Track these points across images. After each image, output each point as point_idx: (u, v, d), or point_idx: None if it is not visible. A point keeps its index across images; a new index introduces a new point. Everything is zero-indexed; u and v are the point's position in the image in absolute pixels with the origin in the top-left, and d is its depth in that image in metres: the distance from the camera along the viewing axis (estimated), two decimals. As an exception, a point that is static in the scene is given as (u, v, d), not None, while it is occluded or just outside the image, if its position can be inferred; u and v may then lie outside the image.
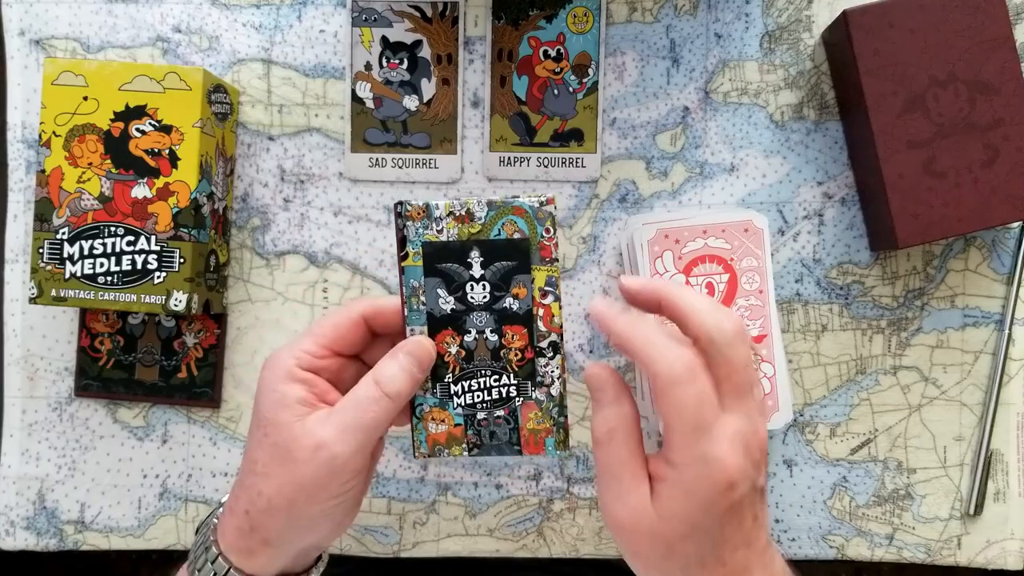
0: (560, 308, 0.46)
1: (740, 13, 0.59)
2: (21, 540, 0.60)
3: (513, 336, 0.46)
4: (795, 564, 0.63)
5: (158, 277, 0.54)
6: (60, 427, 0.60)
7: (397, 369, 0.45)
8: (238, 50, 0.60)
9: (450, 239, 0.45)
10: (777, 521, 0.59)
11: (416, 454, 0.48)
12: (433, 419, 0.47)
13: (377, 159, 0.60)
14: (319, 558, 0.50)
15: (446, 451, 0.48)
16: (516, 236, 0.45)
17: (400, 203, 0.45)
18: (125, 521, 0.60)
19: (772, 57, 0.59)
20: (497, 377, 0.46)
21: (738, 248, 0.56)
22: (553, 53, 0.59)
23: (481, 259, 0.45)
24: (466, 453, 0.48)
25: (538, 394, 0.46)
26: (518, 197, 0.45)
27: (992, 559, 0.59)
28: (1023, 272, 0.59)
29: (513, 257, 0.45)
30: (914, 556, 0.59)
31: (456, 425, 0.47)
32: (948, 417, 0.59)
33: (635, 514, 0.42)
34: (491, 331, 0.46)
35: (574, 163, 0.59)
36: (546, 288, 0.45)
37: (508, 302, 0.45)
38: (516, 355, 0.46)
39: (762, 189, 0.59)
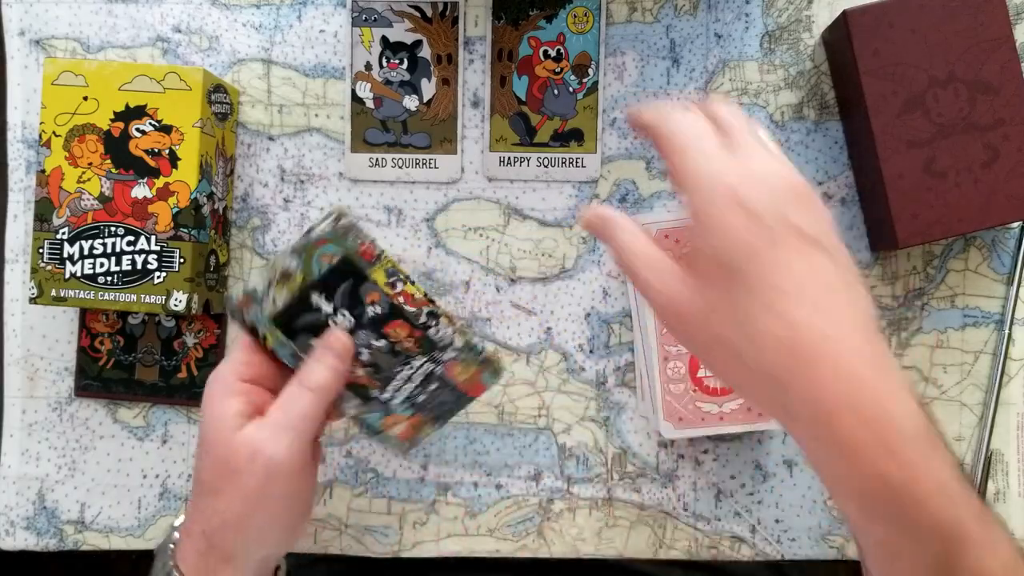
0: (414, 284, 0.47)
1: (740, 13, 0.59)
2: (21, 540, 0.60)
3: (396, 331, 0.48)
4: (795, 564, 0.63)
5: (158, 277, 0.54)
6: (60, 427, 0.60)
7: (316, 364, 0.47)
8: (238, 50, 0.60)
9: (288, 302, 0.46)
10: (777, 521, 0.59)
11: (404, 457, 0.52)
12: (390, 425, 0.50)
13: (377, 159, 0.60)
14: (277, 568, 0.51)
15: (421, 438, 0.51)
16: (335, 261, 0.46)
17: (226, 305, 0.47)
18: (125, 521, 0.60)
19: (772, 57, 0.59)
20: (409, 365, 0.49)
21: (738, 248, 0.56)
22: (553, 53, 0.59)
23: (324, 295, 0.47)
24: (437, 427, 0.51)
25: (449, 353, 0.49)
26: (312, 229, 0.46)
27: (992, 559, 0.59)
28: (1023, 272, 0.59)
29: (346, 277, 0.47)
30: (914, 556, 0.59)
31: (411, 416, 0.50)
32: (948, 417, 0.59)
33: (672, 288, 0.40)
34: (375, 339, 0.48)
35: (574, 163, 0.59)
36: (390, 280, 0.47)
37: (370, 310, 0.47)
38: (410, 341, 0.48)
39: (762, 189, 0.59)
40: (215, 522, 0.45)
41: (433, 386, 0.50)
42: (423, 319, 0.48)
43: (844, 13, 0.53)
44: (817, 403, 0.36)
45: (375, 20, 0.59)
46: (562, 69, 0.59)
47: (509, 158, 0.59)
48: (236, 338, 0.49)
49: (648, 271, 0.41)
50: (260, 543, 0.46)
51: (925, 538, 0.36)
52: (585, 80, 0.59)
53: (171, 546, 0.47)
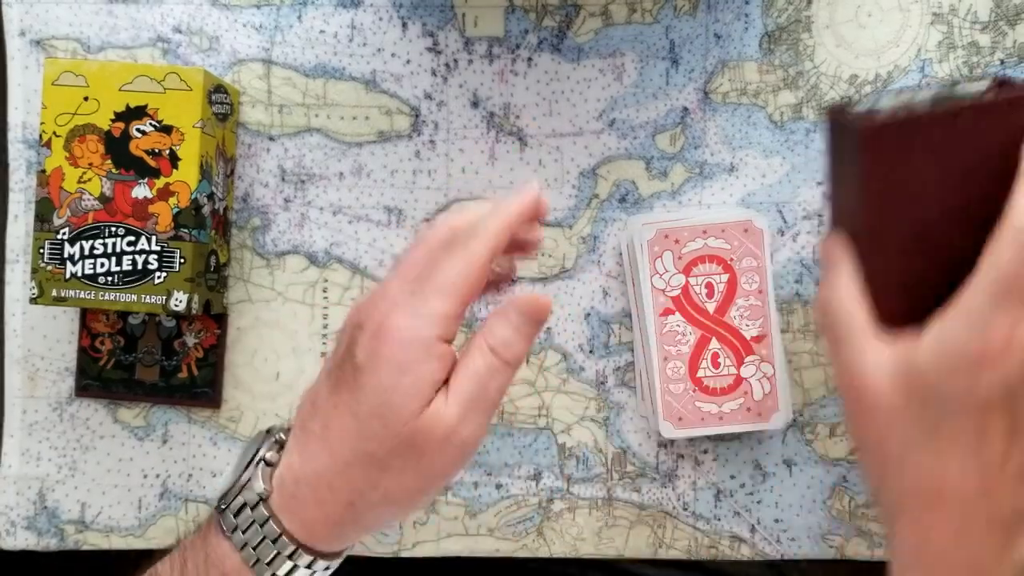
0: None
1: (740, 14, 0.60)
2: (22, 540, 0.60)
3: None
4: (795, 564, 0.64)
5: (158, 277, 0.54)
6: (60, 427, 0.60)
7: (512, 333, 0.40)
8: (238, 50, 0.60)
9: None
10: (777, 521, 0.59)
11: None
12: None
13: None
14: None
15: None
16: None
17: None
18: (126, 521, 0.60)
19: (771, 57, 0.59)
20: None
21: (738, 248, 0.56)
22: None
23: None
24: None
25: None
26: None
27: (991, 559, 0.59)
28: (1022, 272, 0.58)
29: None
30: (914, 556, 0.59)
31: None
32: (947, 417, 0.59)
33: (863, 372, 0.37)
34: None
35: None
36: None
37: None
38: None
39: (762, 189, 0.60)
40: (374, 497, 0.39)
41: None
42: None
43: (858, 132, 0.38)
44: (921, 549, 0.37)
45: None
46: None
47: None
48: (466, 279, 0.38)
49: (857, 331, 0.38)
50: (398, 517, 0.42)
51: None
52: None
53: (260, 492, 0.40)
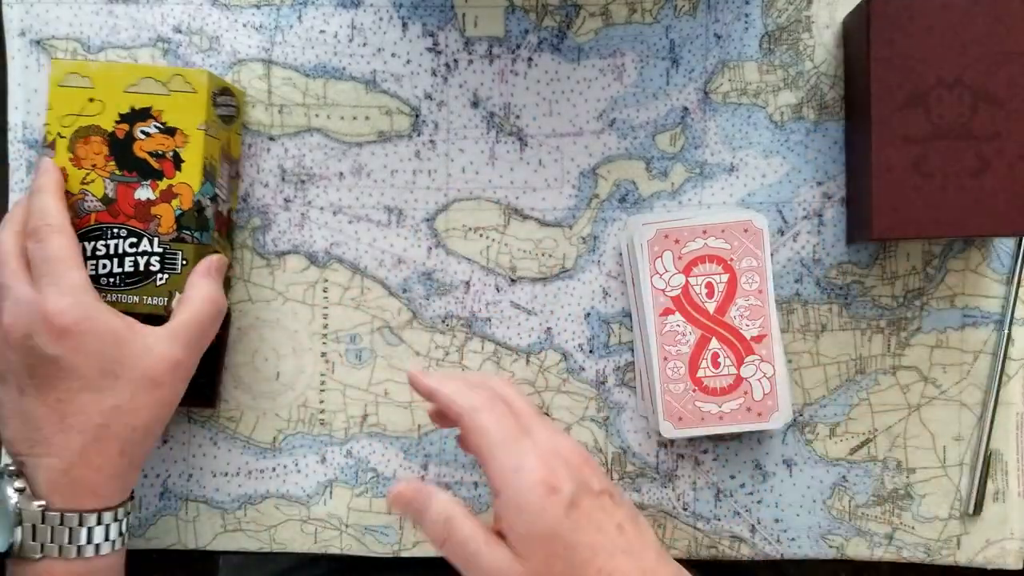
0: None
1: (740, 14, 0.60)
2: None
3: None
4: (796, 564, 0.64)
5: (160, 279, 0.54)
6: (62, 427, 0.60)
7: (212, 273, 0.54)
8: (238, 50, 0.60)
9: None
10: (777, 521, 0.59)
11: None
12: None
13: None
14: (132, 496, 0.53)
15: None
16: None
17: None
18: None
19: (772, 57, 0.60)
20: None
21: (738, 248, 0.56)
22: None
23: None
24: None
25: None
26: None
27: (991, 559, 0.59)
28: (1023, 272, 0.59)
29: None
30: (913, 556, 0.59)
31: None
32: (947, 417, 0.59)
33: (502, 570, 0.44)
34: None
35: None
36: None
37: None
38: None
39: (762, 189, 0.60)
40: (136, 437, 0.49)
41: None
42: None
43: None
44: None
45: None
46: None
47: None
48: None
49: (474, 541, 0.45)
50: (154, 442, 0.52)
51: None
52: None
53: (41, 505, 0.46)
